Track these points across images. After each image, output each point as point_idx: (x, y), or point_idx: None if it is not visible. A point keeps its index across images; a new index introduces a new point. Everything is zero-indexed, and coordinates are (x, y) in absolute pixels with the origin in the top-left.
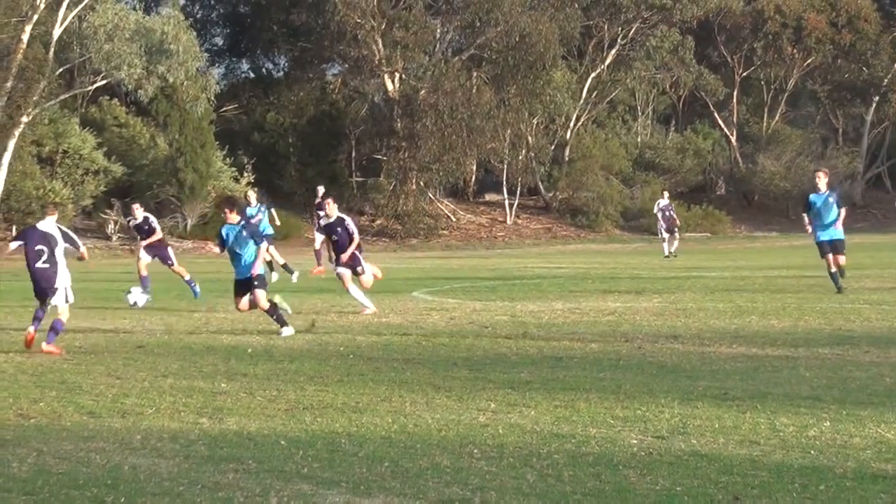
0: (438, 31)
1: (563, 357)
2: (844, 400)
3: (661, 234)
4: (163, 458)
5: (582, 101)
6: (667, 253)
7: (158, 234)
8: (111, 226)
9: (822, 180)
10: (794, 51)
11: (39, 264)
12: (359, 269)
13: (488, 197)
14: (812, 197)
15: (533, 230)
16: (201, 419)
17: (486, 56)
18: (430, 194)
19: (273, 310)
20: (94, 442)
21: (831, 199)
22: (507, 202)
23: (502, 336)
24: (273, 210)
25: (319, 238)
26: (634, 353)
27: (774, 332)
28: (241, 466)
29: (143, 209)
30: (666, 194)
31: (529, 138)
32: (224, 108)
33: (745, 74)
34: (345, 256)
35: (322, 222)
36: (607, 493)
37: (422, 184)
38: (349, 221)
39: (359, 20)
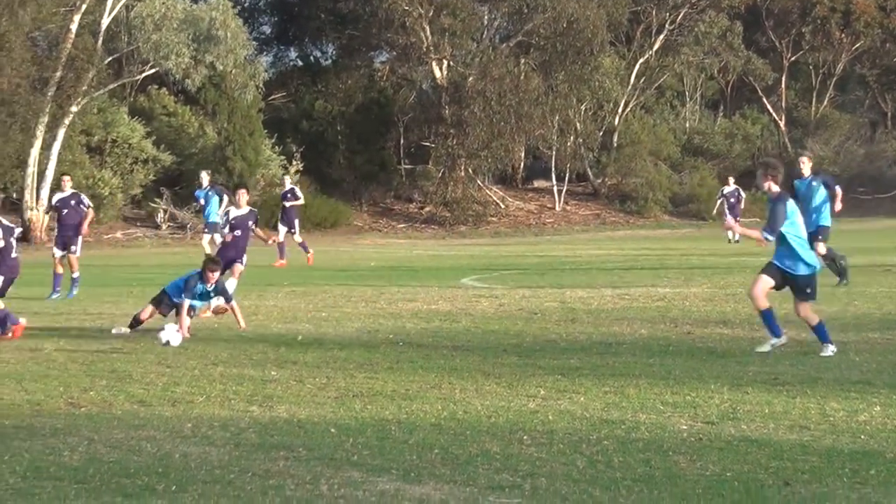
0: (486, 17)
1: (612, 343)
2: (895, 384)
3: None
4: (213, 445)
5: (630, 87)
6: (730, 237)
7: (89, 217)
8: (160, 214)
9: (805, 165)
10: (843, 35)
11: (12, 257)
12: (240, 261)
13: (537, 183)
14: (796, 182)
15: (582, 216)
16: (252, 407)
17: (534, 42)
18: (478, 181)
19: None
20: (144, 430)
21: (815, 184)
22: (555, 188)
23: (552, 322)
24: (225, 197)
25: (283, 230)
26: (684, 338)
27: (824, 317)
28: (291, 454)
29: (72, 183)
30: (731, 180)
31: (578, 124)
32: (272, 97)
33: (793, 59)
34: (238, 267)
35: (232, 214)
36: (657, 478)
37: (470, 171)
38: (257, 219)
39: (406, 7)
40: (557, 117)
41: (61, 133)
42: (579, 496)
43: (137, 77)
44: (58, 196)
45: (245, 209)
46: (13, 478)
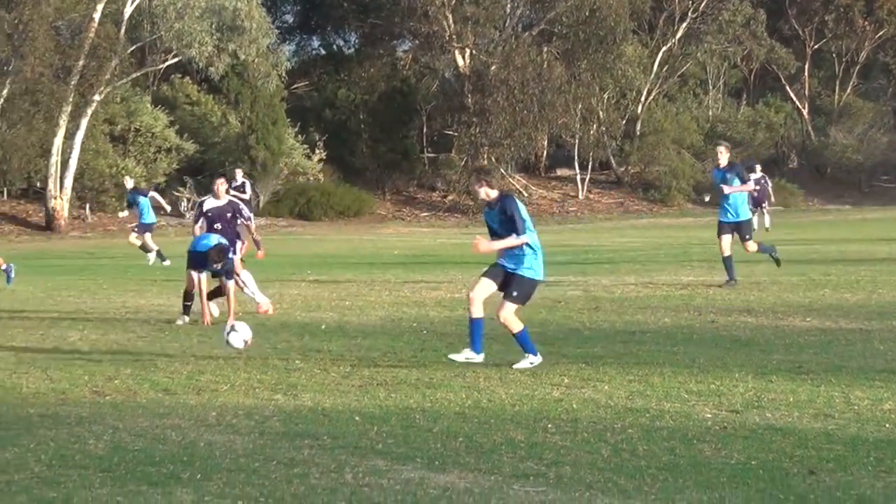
0: (509, 6)
1: (636, 331)
2: None
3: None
4: (238, 434)
5: (653, 76)
6: (755, 227)
7: None
8: (184, 203)
9: (722, 155)
10: (866, 23)
11: None
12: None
13: (560, 172)
14: (713, 172)
15: (605, 205)
16: (276, 395)
17: (557, 31)
18: (501, 169)
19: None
20: (169, 419)
21: (729, 175)
22: (578, 177)
23: (575, 311)
24: (145, 199)
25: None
26: (708, 326)
27: (848, 306)
28: (315, 442)
29: None
30: (758, 168)
31: (600, 113)
32: (295, 86)
33: (816, 47)
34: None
35: (207, 206)
36: (682, 467)
37: (493, 159)
38: (243, 207)
39: None
40: (580, 106)
41: (84, 122)
42: (604, 484)
43: (160, 66)
44: None
45: (223, 200)
46: (38, 466)
